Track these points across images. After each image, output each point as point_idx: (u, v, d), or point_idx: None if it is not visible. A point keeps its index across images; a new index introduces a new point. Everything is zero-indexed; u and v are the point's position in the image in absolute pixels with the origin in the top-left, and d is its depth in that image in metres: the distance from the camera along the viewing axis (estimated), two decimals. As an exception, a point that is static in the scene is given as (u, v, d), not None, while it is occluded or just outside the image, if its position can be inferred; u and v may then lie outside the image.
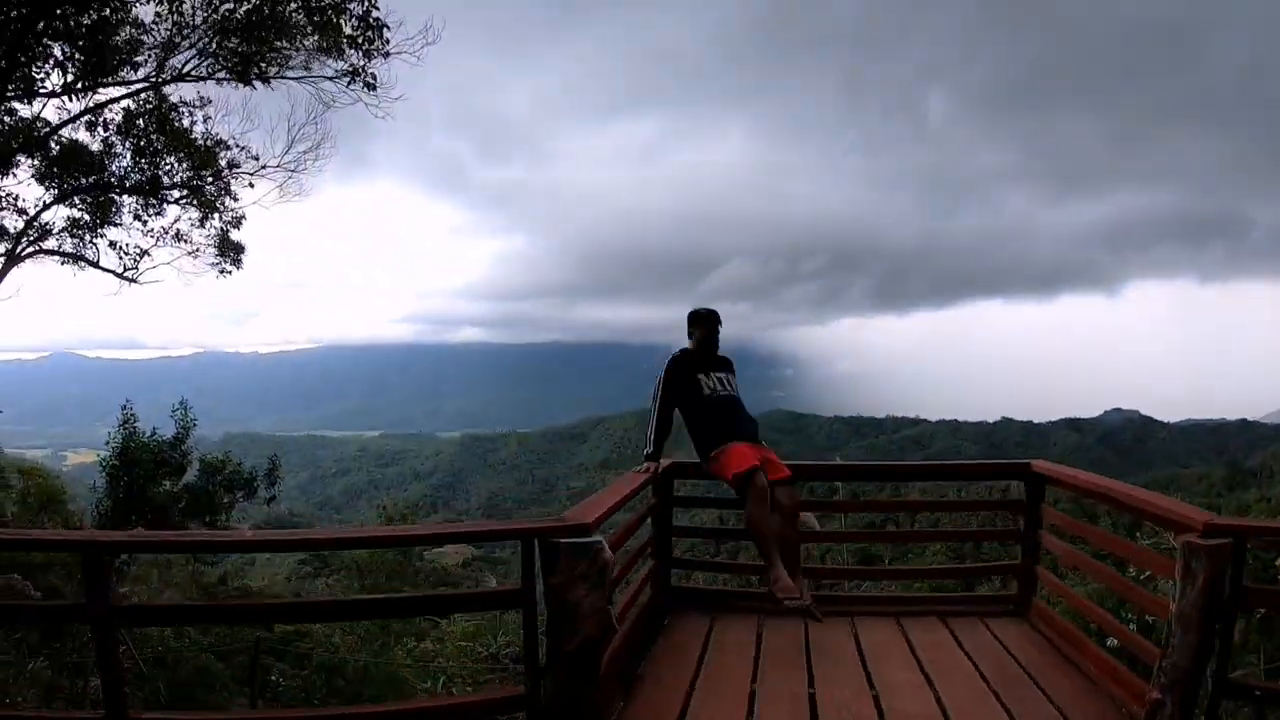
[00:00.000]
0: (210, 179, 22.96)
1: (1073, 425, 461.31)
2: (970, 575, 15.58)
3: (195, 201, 23.87)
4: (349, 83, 20.33)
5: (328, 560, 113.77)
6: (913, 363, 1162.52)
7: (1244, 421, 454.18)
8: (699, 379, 9.16)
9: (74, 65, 18.81)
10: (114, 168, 21.98)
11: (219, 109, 22.16)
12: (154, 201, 23.60)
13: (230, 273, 26.62)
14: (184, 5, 18.81)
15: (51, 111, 20.38)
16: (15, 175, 21.19)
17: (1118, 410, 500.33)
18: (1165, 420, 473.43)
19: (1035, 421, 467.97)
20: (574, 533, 4.94)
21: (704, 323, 9.50)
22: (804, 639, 7.75)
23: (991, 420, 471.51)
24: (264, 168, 23.00)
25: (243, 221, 25.00)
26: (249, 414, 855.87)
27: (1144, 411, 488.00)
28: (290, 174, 23.25)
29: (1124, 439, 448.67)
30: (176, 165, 22.49)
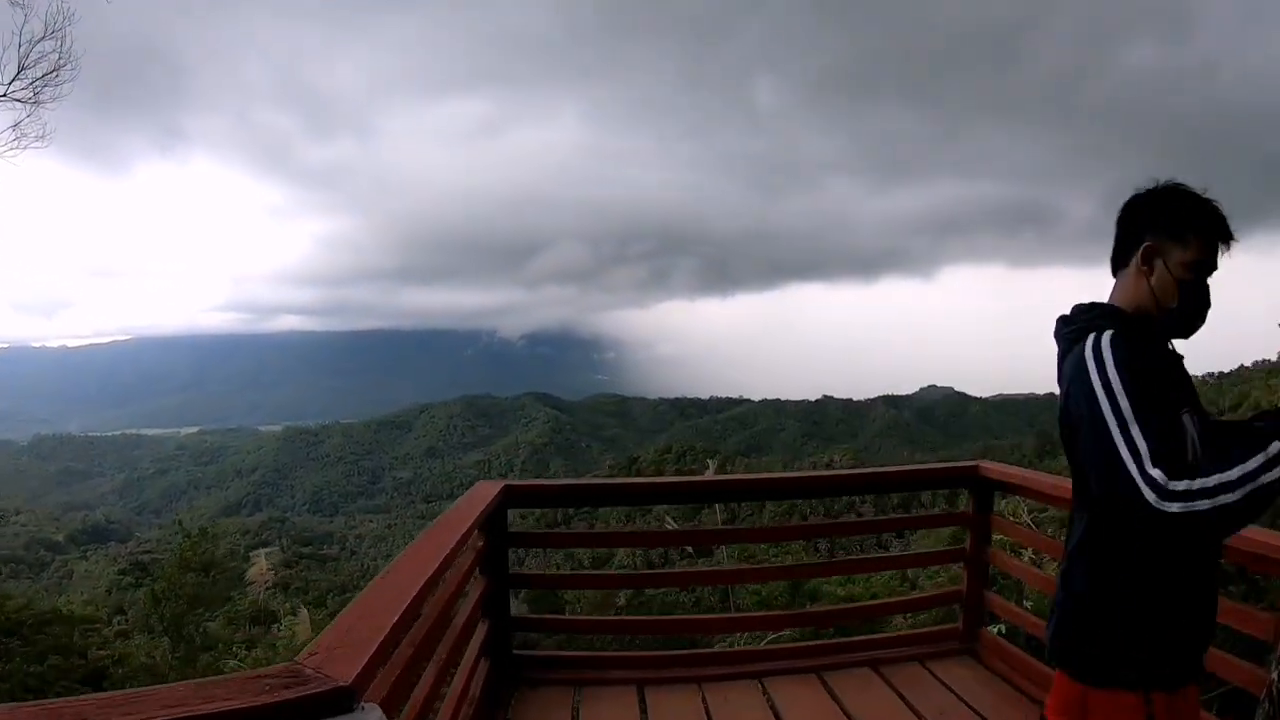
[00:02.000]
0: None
1: (891, 402, 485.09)
2: (907, 610, 12.78)
3: None
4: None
5: (149, 569, 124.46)
6: (735, 345, 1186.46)
7: (1051, 395, 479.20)
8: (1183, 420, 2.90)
9: None
10: None
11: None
12: None
13: None
14: None
15: None
16: None
17: (933, 387, 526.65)
18: (978, 395, 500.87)
19: (855, 399, 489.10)
20: (319, 710, 2.41)
21: (1204, 242, 2.95)
22: (703, 711, 6.11)
23: (813, 399, 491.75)
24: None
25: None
26: (59, 413, 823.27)
27: (958, 388, 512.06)
28: (26, 106, 17.87)
29: (940, 414, 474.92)
30: None
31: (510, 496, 6.26)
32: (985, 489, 7.13)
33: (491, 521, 6.12)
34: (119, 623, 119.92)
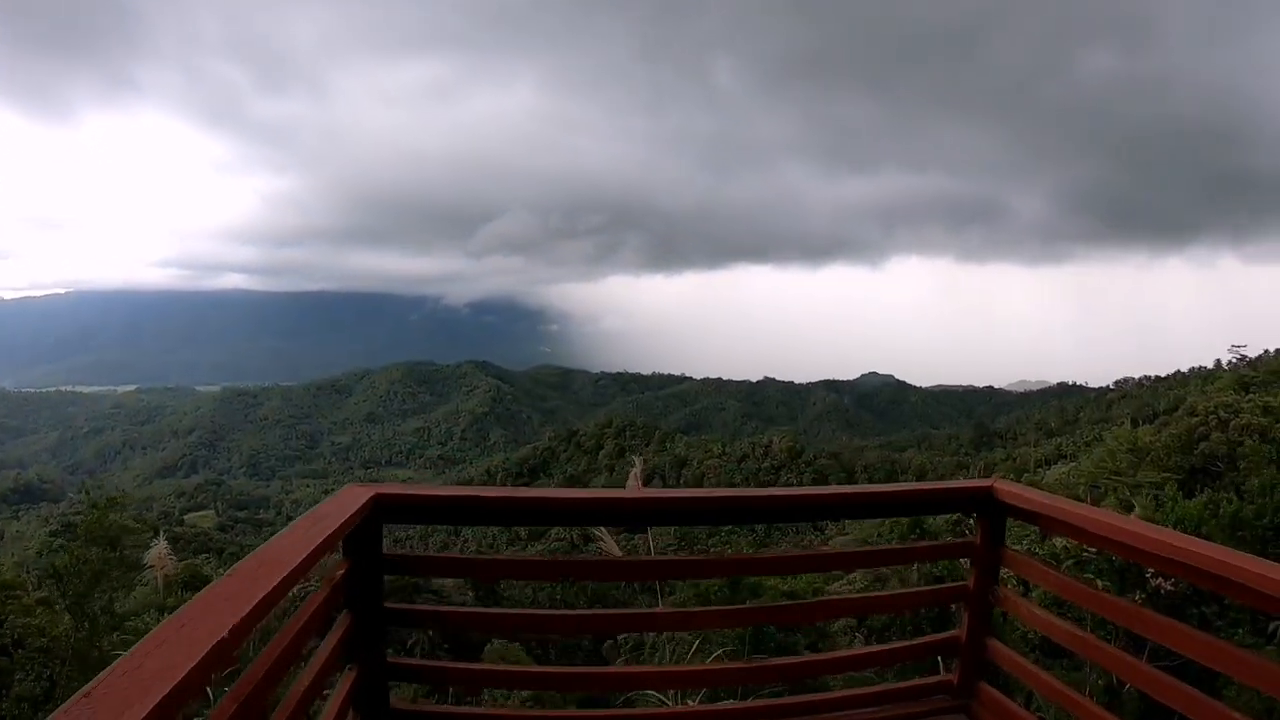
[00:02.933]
0: None
1: (831, 387, 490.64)
2: (896, 660, 10.01)
3: None
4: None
5: (79, 531, 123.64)
6: (680, 322, 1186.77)
7: (990, 389, 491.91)
8: None
9: None
10: None
11: None
12: None
13: None
14: None
15: None
16: None
17: (874, 374, 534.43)
18: (918, 385, 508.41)
19: (797, 382, 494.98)
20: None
21: None
22: None
23: (755, 380, 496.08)
24: None
25: None
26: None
27: (899, 376, 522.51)
28: None
29: (879, 401, 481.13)
30: None
31: (383, 508, 4.63)
32: (998, 515, 5.68)
33: (358, 540, 4.59)
34: (49, 587, 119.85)
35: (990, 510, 5.58)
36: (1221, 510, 19.61)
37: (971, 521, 5.92)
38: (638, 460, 10.86)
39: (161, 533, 16.19)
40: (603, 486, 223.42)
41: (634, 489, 10.08)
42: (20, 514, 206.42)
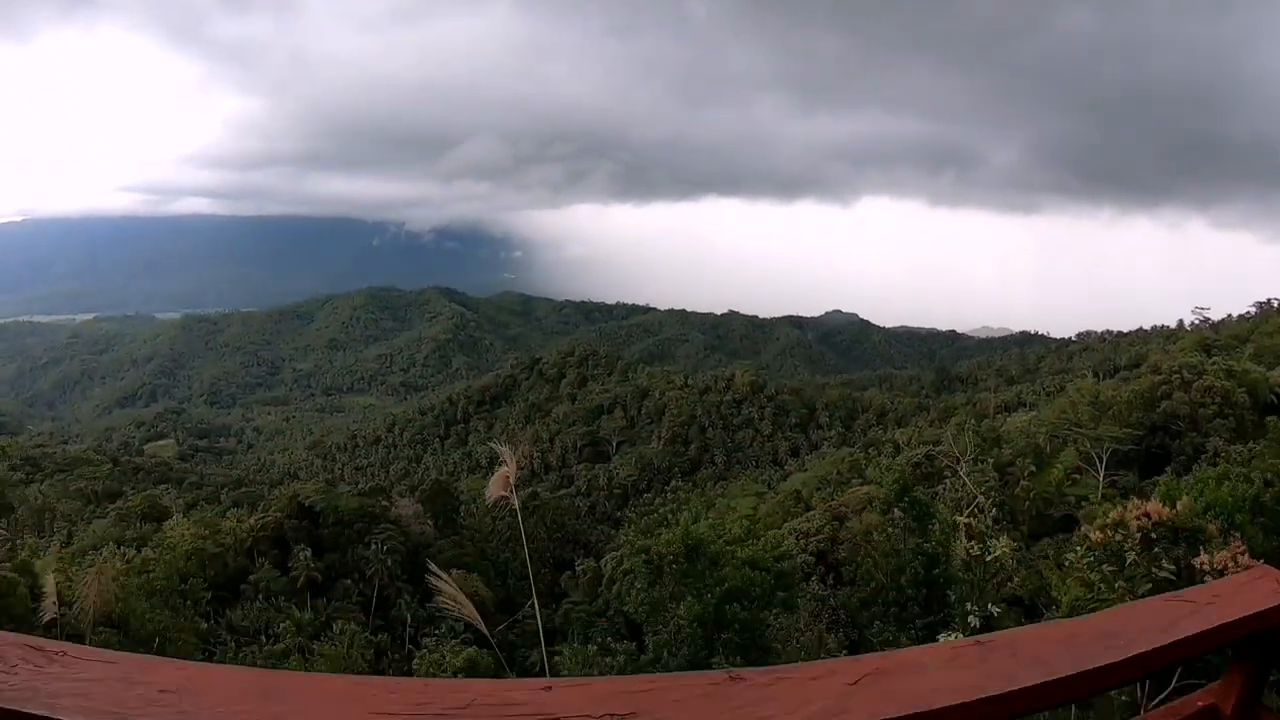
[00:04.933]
0: None
1: (794, 323, 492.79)
2: None
3: None
4: None
5: (40, 464, 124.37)
6: (646, 253, 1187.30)
7: (953, 333, 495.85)
8: None
9: None
10: None
11: None
12: None
13: None
14: None
15: None
16: None
17: (838, 312, 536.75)
18: (881, 325, 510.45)
19: (760, 316, 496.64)
20: None
21: None
22: None
23: (719, 312, 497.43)
24: None
25: None
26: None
27: (863, 315, 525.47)
28: None
29: (842, 339, 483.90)
30: None
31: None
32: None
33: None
34: (10, 522, 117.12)
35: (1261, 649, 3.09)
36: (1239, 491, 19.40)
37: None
38: (507, 451, 10.18)
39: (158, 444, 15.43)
40: (564, 415, 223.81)
41: (498, 494, 9.82)
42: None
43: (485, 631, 8.44)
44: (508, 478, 9.60)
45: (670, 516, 56.84)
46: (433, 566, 8.83)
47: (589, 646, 33.70)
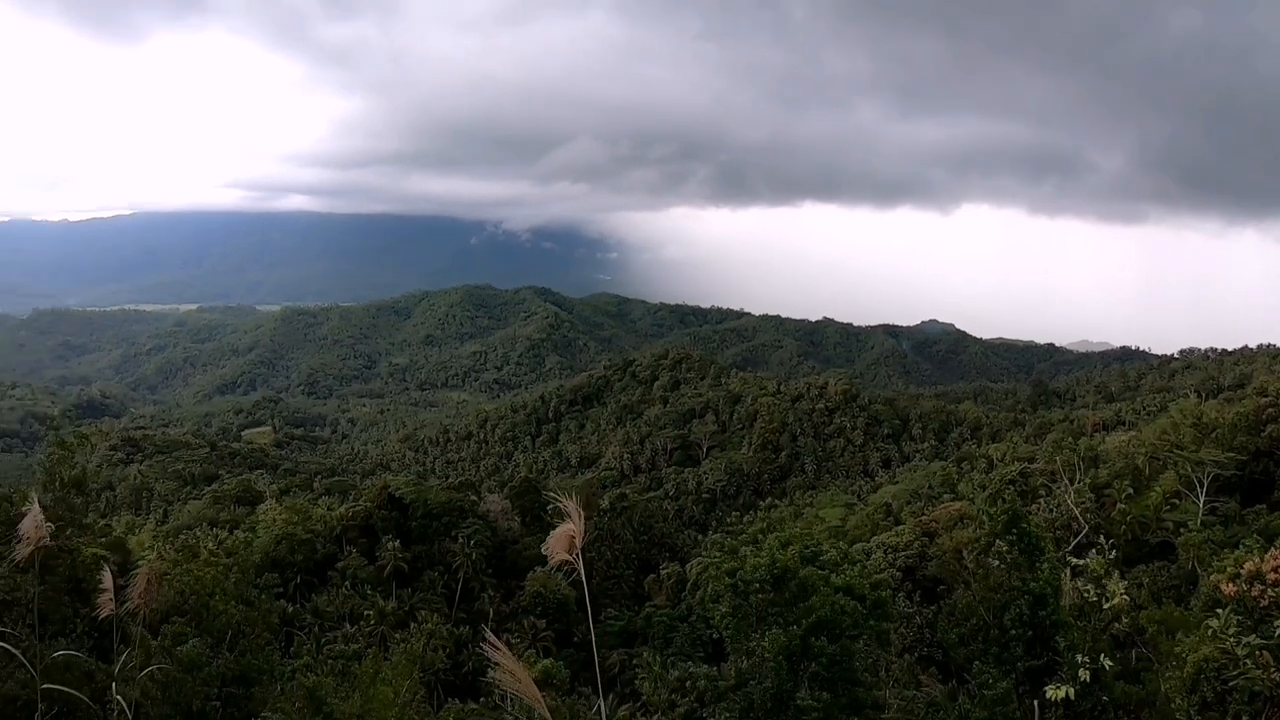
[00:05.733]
0: None
1: (890, 331, 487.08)
2: None
3: None
4: None
5: (140, 446, 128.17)
6: (742, 257, 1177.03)
7: (1052, 346, 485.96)
8: None
9: None
10: None
11: None
12: None
13: None
14: None
15: None
16: None
17: (934, 322, 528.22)
18: (979, 336, 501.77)
19: (855, 324, 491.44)
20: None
21: None
22: None
23: (813, 319, 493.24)
24: None
25: None
26: (60, 288, 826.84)
27: (959, 326, 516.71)
28: None
29: (938, 349, 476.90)
30: None
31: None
32: None
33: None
34: (107, 498, 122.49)
35: None
36: None
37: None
38: (573, 507, 8.81)
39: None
40: (656, 417, 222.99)
41: (560, 557, 8.65)
42: (83, 427, 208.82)
43: (546, 717, 7.57)
44: (573, 537, 8.61)
45: (760, 536, 55.66)
46: (489, 636, 7.74)
47: (670, 672, 32.69)
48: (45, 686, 14.61)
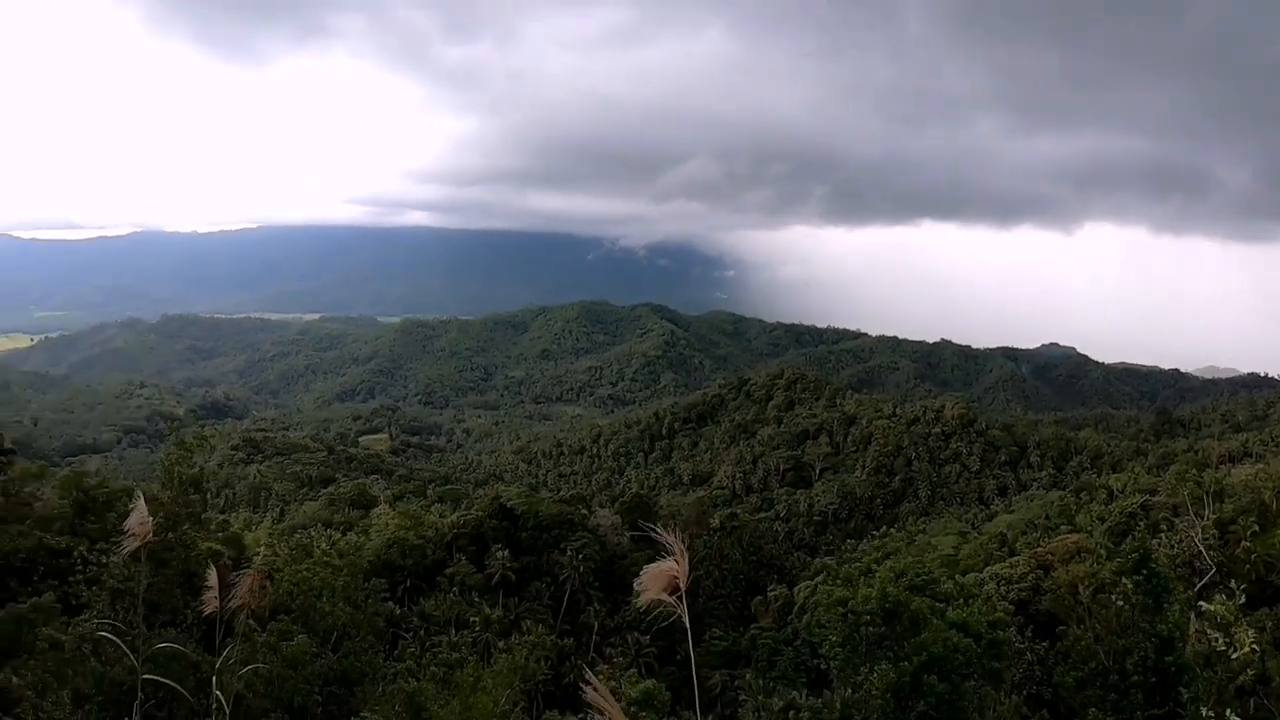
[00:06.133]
0: None
1: (1009, 355, 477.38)
2: None
3: None
4: None
5: (260, 447, 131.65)
6: (859, 276, 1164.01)
7: (1176, 372, 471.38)
8: None
9: None
10: None
11: None
12: None
13: None
14: None
15: None
16: None
17: (1055, 345, 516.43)
18: (1100, 360, 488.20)
19: (973, 347, 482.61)
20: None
21: None
22: None
23: (931, 341, 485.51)
24: None
25: None
26: (188, 295, 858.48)
27: (1081, 349, 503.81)
28: None
29: (1059, 374, 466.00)
30: None
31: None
32: None
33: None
34: (226, 495, 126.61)
35: None
36: None
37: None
38: (676, 541, 8.31)
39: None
40: (769, 437, 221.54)
41: (654, 596, 7.99)
42: (205, 428, 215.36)
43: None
44: (674, 576, 7.86)
45: (874, 565, 54.67)
46: (589, 676, 7.16)
47: (773, 700, 32.00)
48: (146, 676, 14.70)
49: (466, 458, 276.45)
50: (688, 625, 8.09)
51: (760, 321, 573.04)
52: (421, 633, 54.48)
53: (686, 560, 7.88)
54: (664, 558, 7.98)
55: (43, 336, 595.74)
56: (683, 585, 7.82)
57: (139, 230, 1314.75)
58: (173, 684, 15.20)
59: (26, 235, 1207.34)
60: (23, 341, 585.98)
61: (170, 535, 32.02)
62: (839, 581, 49.67)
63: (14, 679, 23.24)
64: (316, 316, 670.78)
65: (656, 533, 8.23)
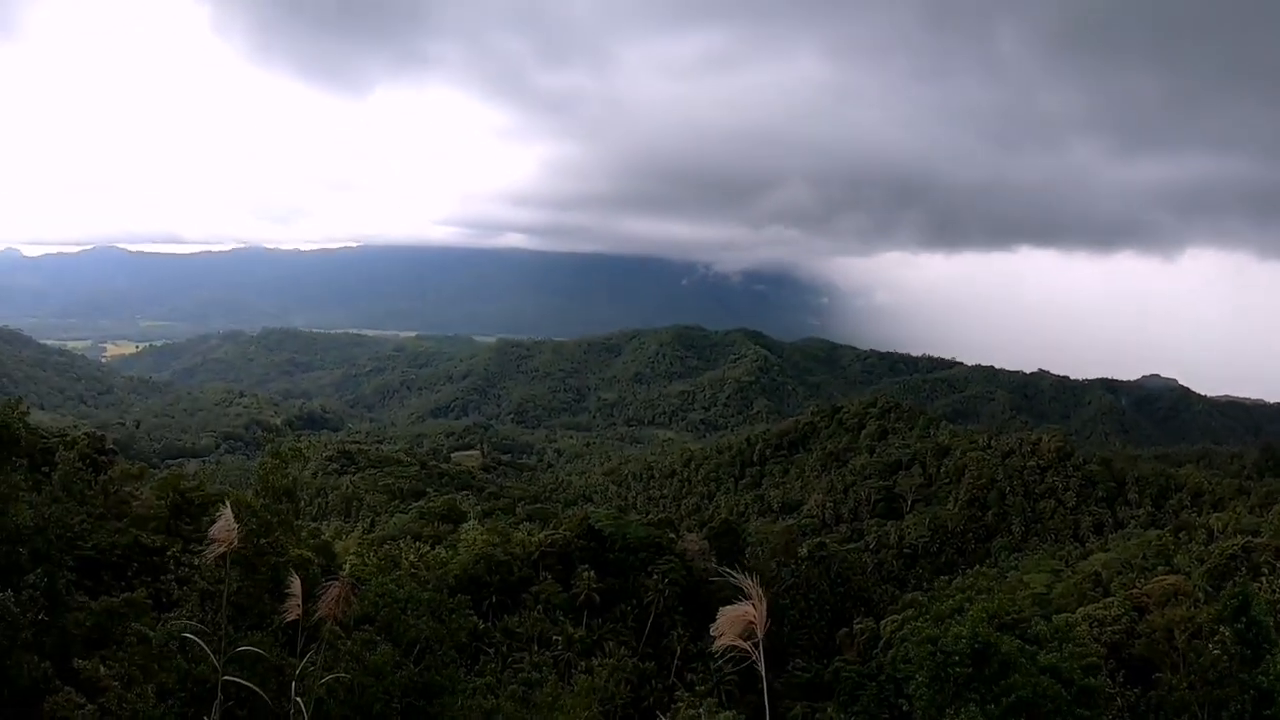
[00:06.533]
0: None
1: (1108, 386, 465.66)
2: None
3: None
4: None
5: (354, 459, 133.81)
6: (955, 303, 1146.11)
7: None
8: None
9: None
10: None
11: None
12: None
13: None
14: None
15: None
16: None
17: (1156, 377, 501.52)
18: (1204, 393, 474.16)
19: (1072, 377, 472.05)
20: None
21: None
22: None
23: (1028, 371, 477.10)
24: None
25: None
26: (288, 310, 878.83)
27: (1182, 381, 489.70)
28: None
29: (1160, 407, 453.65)
30: None
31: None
32: None
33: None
34: (319, 504, 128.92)
35: None
36: None
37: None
38: (754, 586, 8.16)
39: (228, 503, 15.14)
40: (861, 466, 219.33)
41: (729, 640, 7.82)
42: (301, 438, 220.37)
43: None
44: (751, 621, 7.88)
45: (965, 604, 53.57)
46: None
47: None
48: (227, 677, 14.95)
49: (557, 477, 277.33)
50: (763, 672, 7.96)
51: (854, 349, 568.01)
52: (504, 649, 54.83)
53: (764, 605, 7.78)
54: (743, 599, 7.91)
55: (147, 344, 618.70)
56: (759, 631, 7.79)
57: (243, 246, 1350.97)
58: (253, 686, 15.43)
59: (134, 248, 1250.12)
60: (128, 348, 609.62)
61: (261, 541, 32.73)
62: (928, 618, 48.89)
63: (101, 669, 24.00)
64: (413, 334, 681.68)
65: (734, 577, 8.25)
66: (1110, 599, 76.39)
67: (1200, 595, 54.62)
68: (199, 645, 18.74)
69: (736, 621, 7.91)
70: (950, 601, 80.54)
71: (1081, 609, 73.98)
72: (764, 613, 7.74)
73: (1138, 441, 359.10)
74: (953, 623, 35.57)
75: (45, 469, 40.37)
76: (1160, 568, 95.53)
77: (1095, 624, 64.46)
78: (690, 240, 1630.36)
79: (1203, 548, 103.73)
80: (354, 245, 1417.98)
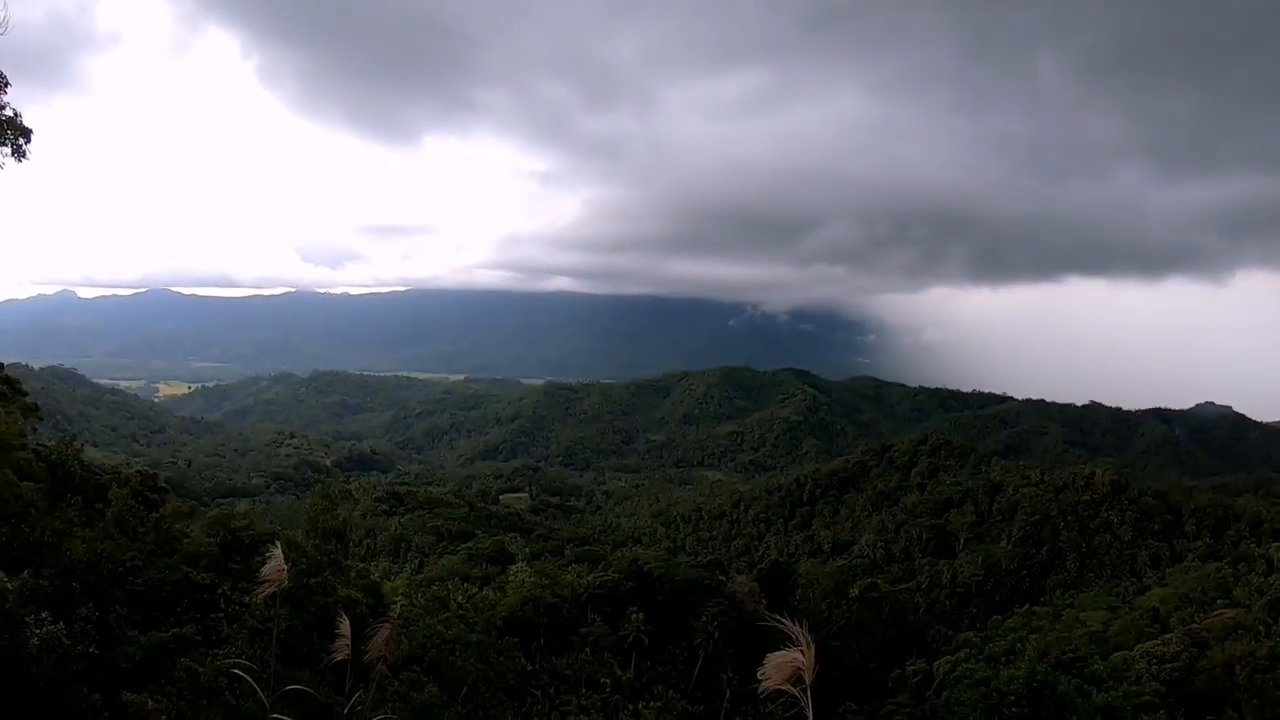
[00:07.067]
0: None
1: (1162, 416, 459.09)
2: None
3: None
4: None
5: (403, 500, 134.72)
6: (1003, 337, 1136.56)
7: None
8: None
9: None
10: None
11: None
12: None
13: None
14: None
15: None
16: None
17: (1211, 404, 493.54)
18: (1260, 420, 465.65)
19: (1125, 409, 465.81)
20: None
21: None
22: None
23: (1080, 404, 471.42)
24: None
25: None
26: (338, 353, 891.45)
27: (1237, 408, 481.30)
28: None
29: (1215, 435, 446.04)
30: None
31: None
32: None
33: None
34: (367, 545, 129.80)
35: None
36: None
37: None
38: (801, 633, 8.15)
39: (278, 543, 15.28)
40: (912, 505, 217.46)
41: (777, 684, 7.78)
42: (351, 479, 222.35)
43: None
44: (800, 667, 7.79)
45: (1018, 644, 52.90)
46: None
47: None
48: (275, 716, 15.11)
49: (605, 519, 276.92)
50: (810, 717, 7.85)
51: (903, 386, 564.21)
52: (551, 690, 54.71)
53: (813, 650, 7.70)
54: (790, 647, 7.87)
55: (199, 385, 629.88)
56: (808, 678, 7.70)
57: (295, 291, 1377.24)
58: (300, 724, 15.52)
59: (188, 291, 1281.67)
60: (180, 389, 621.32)
61: (311, 581, 33.00)
62: (981, 659, 48.31)
63: (150, 702, 24.29)
64: (462, 377, 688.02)
65: (783, 623, 8.16)
66: (1169, 635, 75.00)
67: (1261, 629, 53.61)
68: (247, 682, 18.90)
69: (784, 667, 7.85)
70: (1004, 642, 79.48)
71: (1140, 646, 72.71)
72: (813, 658, 7.67)
73: (1194, 471, 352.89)
74: (1004, 664, 35.14)
75: (99, 505, 41.17)
76: (1220, 601, 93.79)
77: (1154, 661, 63.33)
78: (737, 280, 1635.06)
79: (1263, 579, 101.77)
80: (403, 289, 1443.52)
